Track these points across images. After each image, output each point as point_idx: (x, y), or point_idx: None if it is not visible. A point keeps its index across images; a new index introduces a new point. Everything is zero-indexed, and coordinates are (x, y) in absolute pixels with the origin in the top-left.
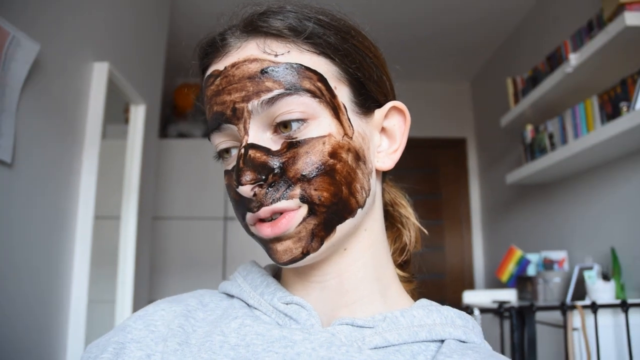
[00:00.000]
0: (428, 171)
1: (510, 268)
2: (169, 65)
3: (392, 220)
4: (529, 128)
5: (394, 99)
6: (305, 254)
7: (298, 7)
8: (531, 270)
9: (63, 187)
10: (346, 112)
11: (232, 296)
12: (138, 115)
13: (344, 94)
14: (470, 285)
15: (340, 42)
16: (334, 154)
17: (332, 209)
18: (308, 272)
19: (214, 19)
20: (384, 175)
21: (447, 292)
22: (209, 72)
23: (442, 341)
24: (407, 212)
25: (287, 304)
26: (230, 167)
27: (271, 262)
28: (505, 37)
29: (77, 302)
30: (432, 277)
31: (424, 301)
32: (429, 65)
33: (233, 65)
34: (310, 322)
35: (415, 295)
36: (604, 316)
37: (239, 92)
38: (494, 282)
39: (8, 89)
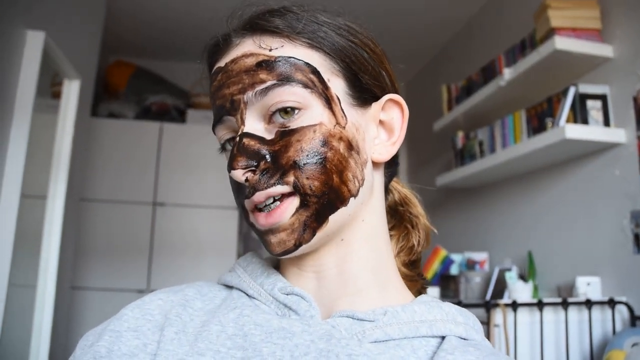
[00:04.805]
0: None
1: (434, 267)
2: (103, 40)
3: (400, 220)
4: (460, 134)
5: (394, 93)
6: (297, 245)
7: (297, 6)
8: (454, 270)
9: None
10: (339, 103)
11: (231, 287)
12: (72, 90)
13: (338, 86)
14: None
15: (335, 37)
16: (325, 143)
17: (323, 199)
18: (306, 262)
19: None
20: (388, 170)
21: None
22: (213, 69)
23: (443, 337)
24: (418, 211)
25: (287, 294)
26: None
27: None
28: (441, 46)
29: None
30: None
31: (424, 297)
32: None
33: (232, 61)
34: (310, 313)
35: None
36: (522, 314)
37: (236, 85)
38: None
39: None
